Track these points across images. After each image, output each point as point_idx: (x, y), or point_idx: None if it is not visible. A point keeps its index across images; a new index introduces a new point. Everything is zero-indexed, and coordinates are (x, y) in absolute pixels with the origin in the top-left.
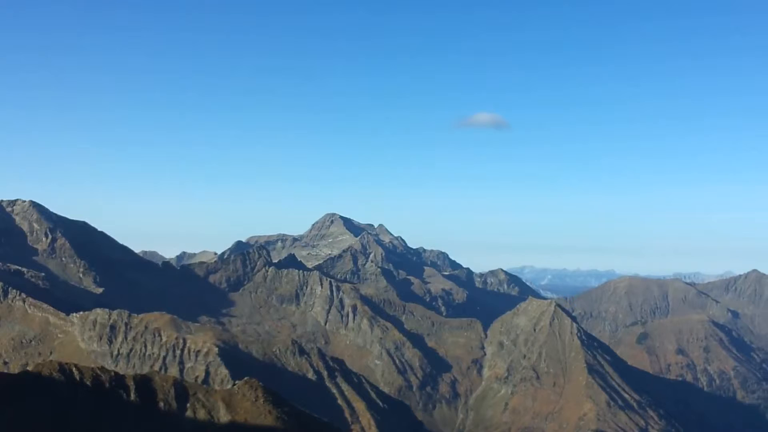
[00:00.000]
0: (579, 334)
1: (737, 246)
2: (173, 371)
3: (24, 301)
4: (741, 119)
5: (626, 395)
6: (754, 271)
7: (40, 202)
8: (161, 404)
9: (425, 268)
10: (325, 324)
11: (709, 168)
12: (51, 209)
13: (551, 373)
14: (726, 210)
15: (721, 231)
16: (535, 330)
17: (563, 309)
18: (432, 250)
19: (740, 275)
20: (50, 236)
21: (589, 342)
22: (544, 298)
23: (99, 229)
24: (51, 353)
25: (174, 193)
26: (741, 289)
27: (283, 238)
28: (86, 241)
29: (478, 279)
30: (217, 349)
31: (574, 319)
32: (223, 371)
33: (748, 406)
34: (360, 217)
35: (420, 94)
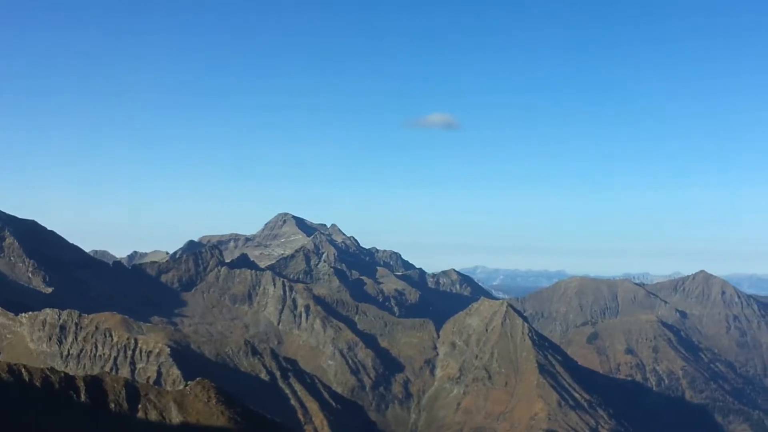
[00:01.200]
0: (530, 335)
1: (685, 247)
2: (124, 372)
3: None
4: (689, 123)
5: (577, 395)
6: (702, 271)
7: None
8: (112, 405)
9: (378, 268)
10: (278, 324)
11: (657, 170)
12: None
13: (503, 373)
14: (674, 211)
15: (670, 232)
16: (487, 330)
17: (515, 309)
18: (385, 251)
19: (688, 276)
20: None
21: (541, 342)
22: (496, 299)
23: (48, 228)
24: None
25: (125, 192)
26: (689, 290)
27: (235, 237)
28: (35, 240)
29: (431, 279)
30: (169, 349)
31: (525, 319)
32: (175, 372)
33: (697, 405)
34: (312, 217)
35: (371, 93)
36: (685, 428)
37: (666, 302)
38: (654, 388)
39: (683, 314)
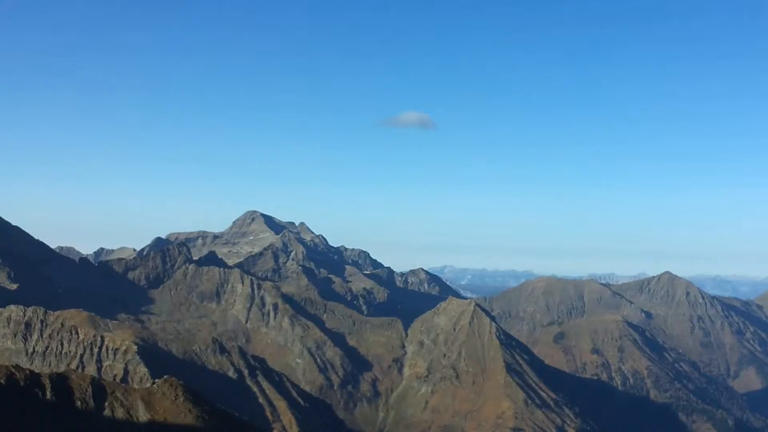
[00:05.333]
0: (498, 334)
1: (650, 248)
2: (91, 370)
3: None
4: (655, 127)
5: (543, 394)
6: (667, 272)
7: None
8: (78, 403)
9: (346, 266)
10: (246, 322)
11: (624, 173)
12: None
13: (470, 372)
14: (639, 213)
15: (635, 233)
16: (454, 329)
17: (482, 309)
18: (353, 249)
19: (653, 277)
20: None
21: (508, 341)
22: (464, 298)
23: (13, 224)
24: None
25: (92, 188)
26: (654, 291)
27: (203, 235)
28: (0, 235)
29: (399, 278)
30: (136, 347)
31: (493, 318)
32: (142, 369)
33: (661, 405)
34: (281, 215)
35: (345, 92)
36: (650, 427)
37: (631, 303)
38: (619, 388)
39: (648, 314)
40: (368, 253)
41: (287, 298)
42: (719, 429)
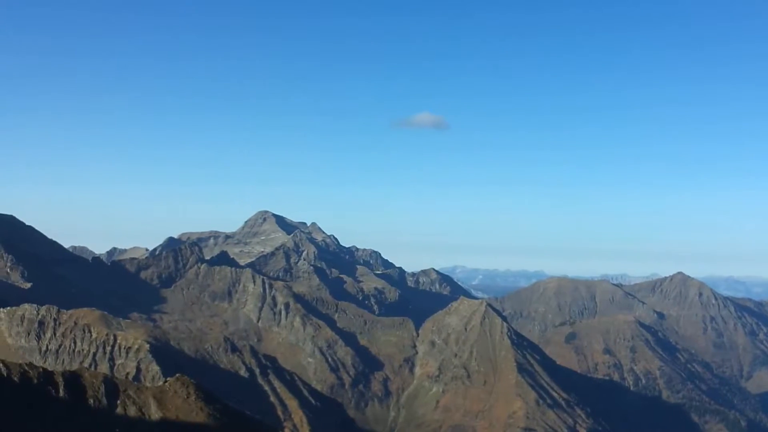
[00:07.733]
0: (509, 334)
1: (663, 249)
2: (103, 368)
3: None
4: (668, 129)
5: (555, 394)
6: (680, 273)
7: None
8: (91, 401)
9: (358, 266)
10: (258, 321)
11: (637, 173)
12: None
13: (482, 371)
14: (652, 213)
15: (648, 234)
16: (466, 329)
17: (494, 309)
18: (364, 249)
19: (666, 277)
20: None
21: (519, 341)
22: (475, 298)
23: (27, 224)
24: None
25: (105, 188)
26: (666, 291)
27: (215, 235)
28: (14, 235)
29: (410, 278)
30: (148, 345)
31: (504, 318)
32: (155, 368)
33: (673, 405)
34: (292, 216)
35: (359, 93)
36: (662, 427)
37: (644, 303)
38: (631, 388)
39: (661, 315)
40: (379, 253)
41: (299, 298)
42: (732, 430)
